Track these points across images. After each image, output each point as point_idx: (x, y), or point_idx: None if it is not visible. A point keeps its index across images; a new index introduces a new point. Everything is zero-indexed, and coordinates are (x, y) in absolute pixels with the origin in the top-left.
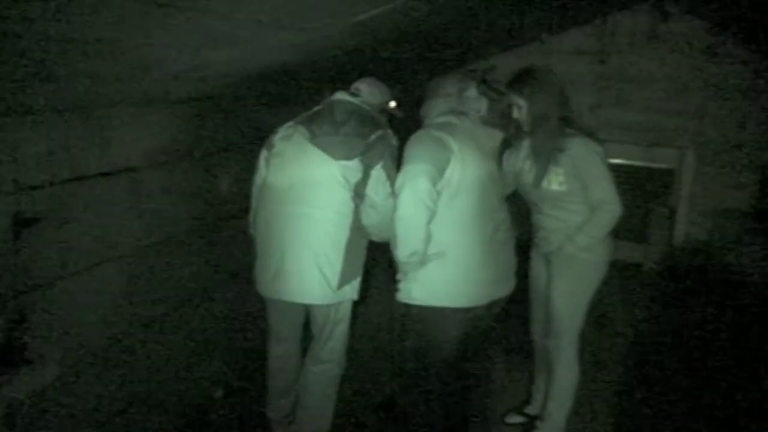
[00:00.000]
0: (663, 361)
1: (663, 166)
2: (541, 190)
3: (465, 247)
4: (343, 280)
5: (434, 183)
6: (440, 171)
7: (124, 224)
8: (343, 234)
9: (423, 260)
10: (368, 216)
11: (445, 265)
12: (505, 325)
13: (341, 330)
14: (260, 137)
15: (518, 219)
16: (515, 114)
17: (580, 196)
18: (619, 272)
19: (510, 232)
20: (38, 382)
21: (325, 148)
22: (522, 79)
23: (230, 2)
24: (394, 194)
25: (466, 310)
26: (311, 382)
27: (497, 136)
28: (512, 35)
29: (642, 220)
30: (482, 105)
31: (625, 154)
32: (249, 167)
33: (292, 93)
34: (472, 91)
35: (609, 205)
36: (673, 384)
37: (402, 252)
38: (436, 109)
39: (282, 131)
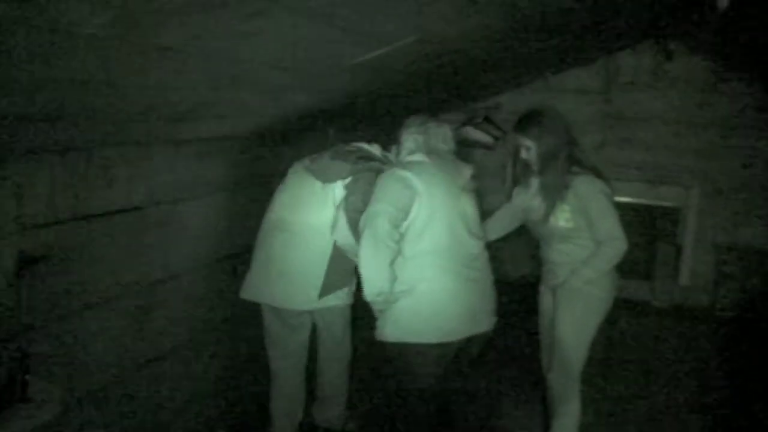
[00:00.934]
0: (671, 398)
1: (669, 203)
2: (548, 226)
3: (434, 283)
4: (326, 290)
5: (395, 223)
6: (403, 211)
7: (129, 263)
8: (327, 249)
9: (391, 299)
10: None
11: (415, 303)
12: (520, 361)
13: (336, 333)
14: (267, 177)
15: (522, 255)
16: (523, 154)
17: (586, 232)
18: (626, 310)
19: (487, 268)
20: (39, 420)
21: (315, 173)
22: (529, 121)
23: (231, 45)
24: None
25: (438, 346)
26: (326, 364)
27: (467, 171)
28: (517, 75)
29: (648, 258)
30: (447, 134)
31: (631, 192)
32: (254, 206)
33: (299, 133)
34: (432, 124)
35: (615, 242)
36: (682, 421)
37: (368, 292)
38: (405, 149)
39: (295, 165)
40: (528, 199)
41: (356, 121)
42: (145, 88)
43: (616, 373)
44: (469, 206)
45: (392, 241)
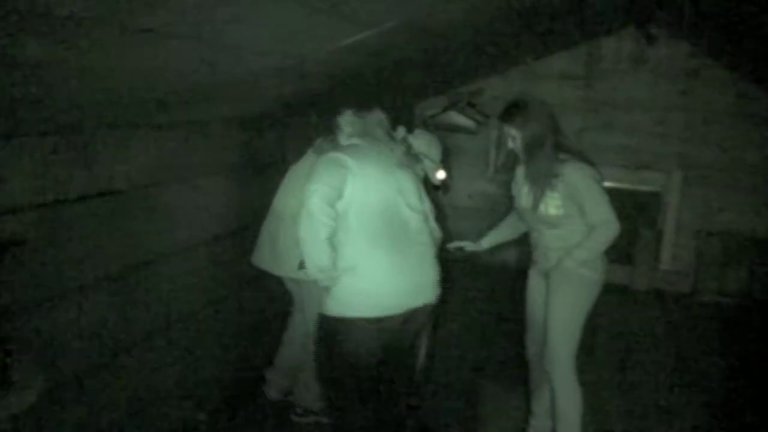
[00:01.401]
0: (651, 380)
1: (649, 188)
2: (539, 214)
3: (375, 258)
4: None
5: (329, 200)
6: (337, 189)
7: (109, 246)
8: None
9: (335, 275)
10: None
11: (356, 278)
12: (496, 346)
13: (311, 310)
14: (248, 161)
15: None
16: (510, 144)
17: (577, 218)
18: (606, 294)
19: (429, 241)
20: (19, 404)
21: (317, 152)
22: (513, 110)
23: (214, 29)
24: None
25: (378, 320)
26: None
27: (399, 149)
28: (498, 59)
29: (629, 243)
30: (381, 119)
31: (612, 177)
32: (242, 190)
33: (282, 118)
34: (365, 111)
35: (608, 224)
36: (663, 403)
37: (309, 267)
38: (343, 134)
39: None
40: (515, 188)
41: (340, 107)
42: (126, 71)
43: (596, 356)
44: (406, 181)
45: (327, 218)
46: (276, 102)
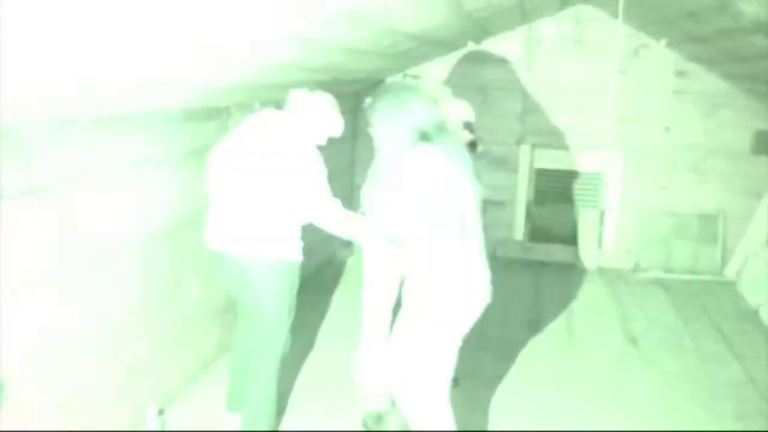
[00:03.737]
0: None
1: (591, 169)
2: None
3: None
4: None
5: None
6: None
7: (54, 244)
8: None
9: None
10: None
11: None
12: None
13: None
14: (190, 153)
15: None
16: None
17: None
18: (553, 273)
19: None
20: None
21: None
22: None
23: (158, 15)
24: None
25: None
26: None
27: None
28: (441, 46)
29: (573, 223)
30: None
31: (555, 159)
32: (192, 181)
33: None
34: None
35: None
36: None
37: None
38: None
39: None
40: None
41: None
42: (68, 63)
43: (542, 330)
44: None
45: None
46: (229, 90)
